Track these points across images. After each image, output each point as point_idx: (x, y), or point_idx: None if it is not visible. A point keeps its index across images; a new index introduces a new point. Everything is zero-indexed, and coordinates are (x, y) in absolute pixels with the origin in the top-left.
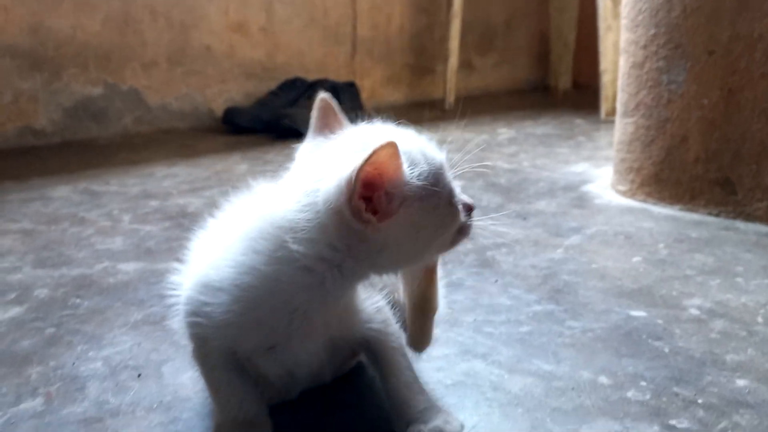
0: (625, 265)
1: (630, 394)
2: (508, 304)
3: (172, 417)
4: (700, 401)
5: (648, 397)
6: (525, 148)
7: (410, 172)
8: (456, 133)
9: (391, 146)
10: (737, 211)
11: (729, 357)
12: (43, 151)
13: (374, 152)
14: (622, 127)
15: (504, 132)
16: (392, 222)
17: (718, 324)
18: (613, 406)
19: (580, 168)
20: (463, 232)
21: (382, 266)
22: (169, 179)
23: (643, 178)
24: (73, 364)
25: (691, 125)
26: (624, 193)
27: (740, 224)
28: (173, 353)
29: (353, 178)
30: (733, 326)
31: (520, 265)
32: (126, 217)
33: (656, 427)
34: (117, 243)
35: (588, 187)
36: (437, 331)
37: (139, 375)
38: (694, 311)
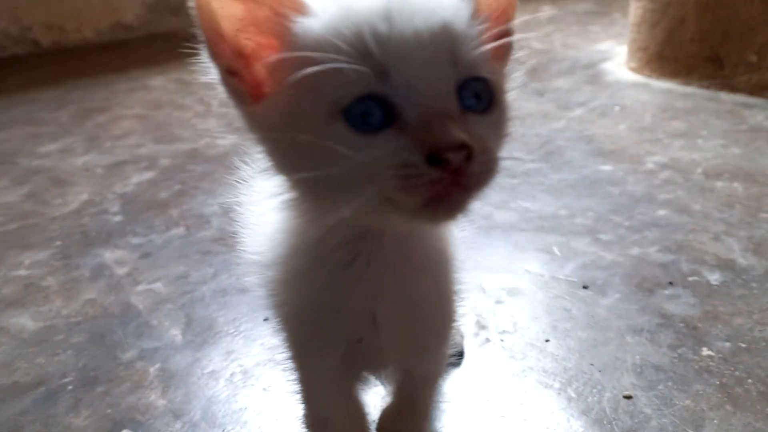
0: (611, 132)
1: (578, 220)
2: (508, 163)
3: None
4: (626, 224)
5: (589, 222)
6: (561, 26)
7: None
8: None
9: None
10: (723, 84)
11: (661, 196)
12: (133, 43)
13: None
14: (633, 10)
15: (546, 10)
16: (270, 104)
17: (665, 174)
18: (563, 227)
19: (605, 46)
20: (436, 198)
21: (288, 184)
22: None
23: (648, 56)
24: (199, 207)
25: (689, 8)
26: (633, 70)
27: (723, 95)
28: None
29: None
30: (675, 176)
31: (527, 134)
32: (214, 102)
33: (588, 239)
34: (211, 123)
35: (605, 65)
36: None
37: None
38: (650, 165)
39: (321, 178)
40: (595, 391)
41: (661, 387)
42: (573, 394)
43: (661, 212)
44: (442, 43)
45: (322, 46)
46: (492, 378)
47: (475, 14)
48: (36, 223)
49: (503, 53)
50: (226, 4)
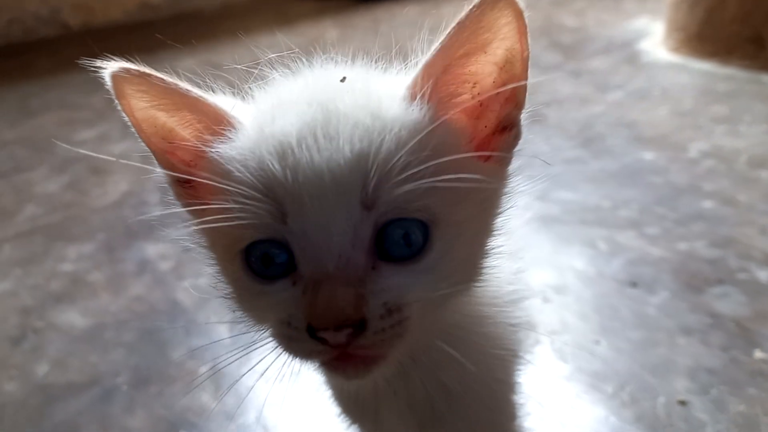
0: (651, 117)
1: (622, 212)
2: (547, 150)
3: None
4: (671, 216)
5: (634, 214)
6: (593, 1)
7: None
8: None
9: None
10: (764, 65)
11: (705, 187)
12: (160, 23)
13: None
14: None
15: None
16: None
17: (708, 163)
18: (607, 220)
19: (640, 23)
20: (328, 363)
21: None
22: (274, 48)
23: (687, 36)
24: None
25: None
26: (670, 50)
27: (765, 77)
28: None
29: None
30: (718, 165)
31: (565, 118)
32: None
33: (633, 233)
34: None
35: (641, 44)
36: None
37: None
38: (693, 153)
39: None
40: (648, 395)
41: (714, 391)
42: (626, 399)
43: (706, 204)
44: (351, 181)
45: (230, 175)
46: (542, 381)
47: (433, 117)
48: (78, 214)
49: (503, 148)
50: (149, 114)
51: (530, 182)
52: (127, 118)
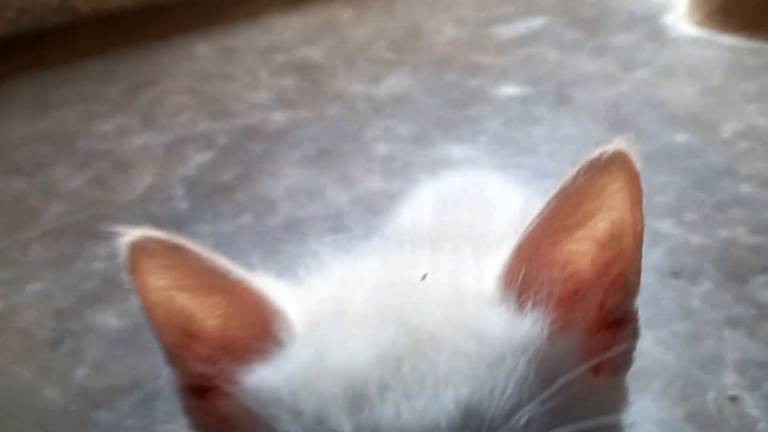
0: (681, 95)
1: (658, 198)
2: (577, 134)
3: (340, 224)
4: (709, 201)
5: (671, 199)
6: None
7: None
8: None
9: None
10: None
11: (743, 170)
12: (172, 7)
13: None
14: None
15: None
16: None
17: (743, 144)
18: (644, 206)
19: None
20: None
21: None
22: (288, 31)
23: (712, 10)
24: (265, 191)
25: None
26: (695, 24)
27: None
28: (332, 183)
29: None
30: (754, 145)
31: (592, 99)
32: (263, 72)
33: (672, 220)
34: (263, 95)
35: (664, 18)
36: None
37: (311, 197)
38: (726, 134)
39: None
40: (697, 391)
41: (765, 386)
42: (676, 396)
43: (745, 188)
44: None
45: (269, 418)
46: None
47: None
48: (105, 212)
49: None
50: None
51: None
52: (137, 296)
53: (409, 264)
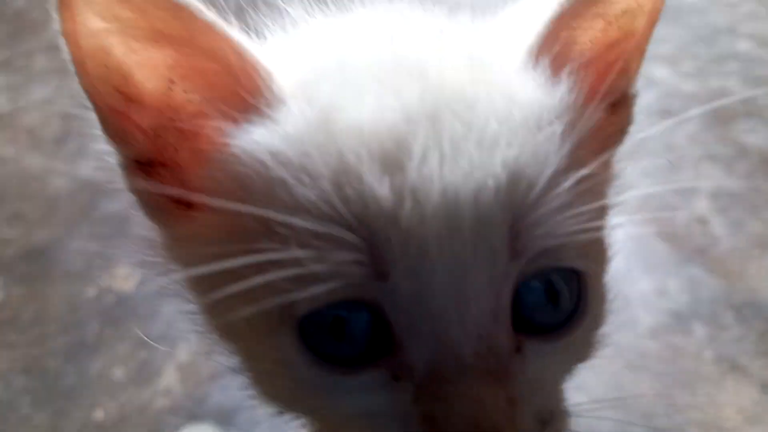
0: None
1: (658, 48)
2: None
3: None
4: (706, 55)
5: (670, 50)
6: None
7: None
8: None
9: None
10: None
11: (743, 28)
12: None
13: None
14: None
15: None
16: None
17: (749, 5)
18: None
19: None
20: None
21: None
22: None
23: None
24: None
25: None
26: None
27: None
28: None
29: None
30: (758, 7)
31: None
32: None
33: (667, 70)
34: None
35: None
36: None
37: None
38: None
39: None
40: (669, 212)
41: (733, 212)
42: (649, 215)
43: (743, 45)
44: (500, 214)
45: (275, 189)
46: None
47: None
48: None
49: (610, 147)
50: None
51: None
52: (64, 42)
53: (422, 19)
